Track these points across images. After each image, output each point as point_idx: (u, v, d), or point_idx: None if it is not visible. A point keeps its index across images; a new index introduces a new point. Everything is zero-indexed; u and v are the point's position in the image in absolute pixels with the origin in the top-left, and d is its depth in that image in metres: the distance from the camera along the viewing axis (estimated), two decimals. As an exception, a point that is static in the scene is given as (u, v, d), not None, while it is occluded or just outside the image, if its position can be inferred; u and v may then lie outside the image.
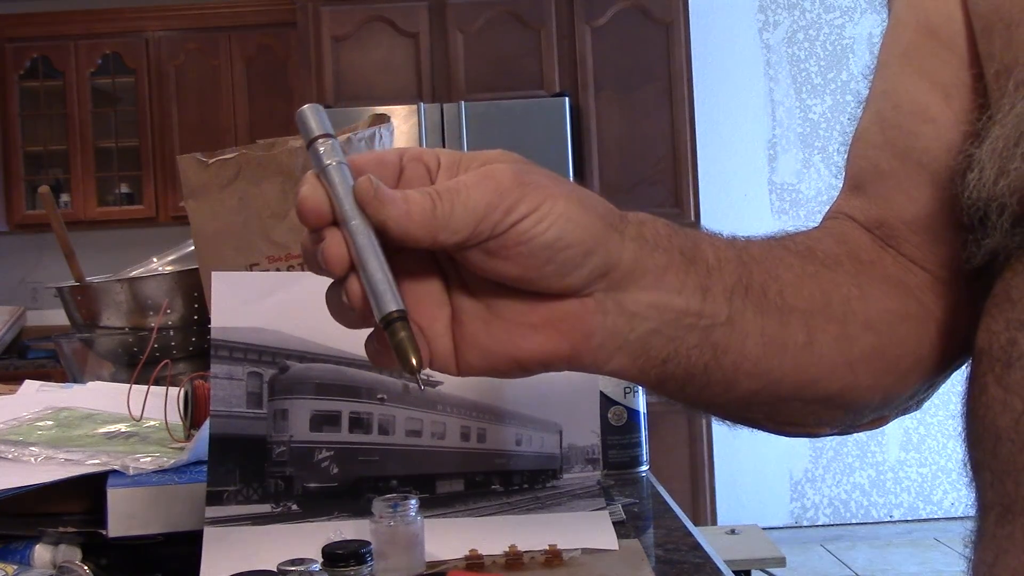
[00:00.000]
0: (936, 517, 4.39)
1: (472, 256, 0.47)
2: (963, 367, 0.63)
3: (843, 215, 0.66)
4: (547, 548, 0.70)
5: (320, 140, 0.48)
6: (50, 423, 0.94)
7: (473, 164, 0.48)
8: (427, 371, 0.79)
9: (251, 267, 1.04)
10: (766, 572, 2.79)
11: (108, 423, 0.94)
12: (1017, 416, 0.52)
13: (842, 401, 0.60)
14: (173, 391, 0.88)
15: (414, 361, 0.45)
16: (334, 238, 0.45)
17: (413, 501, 0.66)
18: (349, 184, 0.46)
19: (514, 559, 0.69)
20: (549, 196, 0.46)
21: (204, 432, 0.74)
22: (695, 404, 0.58)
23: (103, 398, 1.03)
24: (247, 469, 0.73)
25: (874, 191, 0.64)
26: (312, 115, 0.49)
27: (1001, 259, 0.56)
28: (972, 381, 0.58)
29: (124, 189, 4.48)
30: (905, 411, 0.65)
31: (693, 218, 3.92)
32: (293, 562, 0.58)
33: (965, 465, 0.59)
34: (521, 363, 0.50)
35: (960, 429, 0.59)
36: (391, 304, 0.45)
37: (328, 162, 0.47)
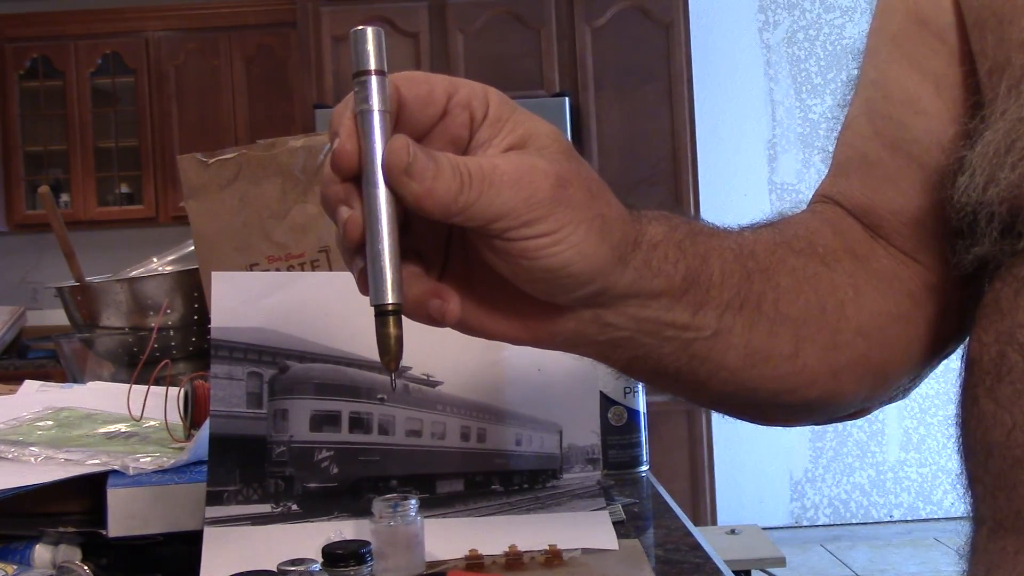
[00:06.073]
0: (936, 517, 4.39)
1: (472, 236, 0.46)
2: (951, 356, 0.63)
3: (830, 200, 0.65)
4: (547, 548, 0.70)
5: (369, 75, 0.42)
6: (50, 423, 0.94)
7: (519, 131, 0.46)
8: (427, 372, 0.80)
9: (251, 267, 1.04)
10: (766, 572, 2.78)
11: (108, 423, 0.94)
12: (1008, 431, 0.52)
13: (820, 406, 0.60)
14: (173, 391, 0.88)
15: (392, 364, 0.44)
16: (359, 213, 0.43)
17: (413, 501, 0.66)
18: (384, 140, 0.42)
19: (514, 559, 0.69)
20: (572, 221, 0.45)
21: (204, 432, 0.74)
22: (661, 391, 0.58)
23: (103, 398, 1.03)
24: (247, 469, 0.73)
25: (861, 179, 0.63)
26: (373, 40, 0.43)
27: (991, 267, 0.55)
28: (964, 392, 0.57)
29: (124, 189, 4.48)
30: (890, 401, 0.64)
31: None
32: (293, 562, 0.58)
33: (960, 476, 0.58)
34: (475, 334, 0.50)
35: (955, 439, 0.59)
36: (389, 296, 0.43)
37: (368, 106, 0.42)
